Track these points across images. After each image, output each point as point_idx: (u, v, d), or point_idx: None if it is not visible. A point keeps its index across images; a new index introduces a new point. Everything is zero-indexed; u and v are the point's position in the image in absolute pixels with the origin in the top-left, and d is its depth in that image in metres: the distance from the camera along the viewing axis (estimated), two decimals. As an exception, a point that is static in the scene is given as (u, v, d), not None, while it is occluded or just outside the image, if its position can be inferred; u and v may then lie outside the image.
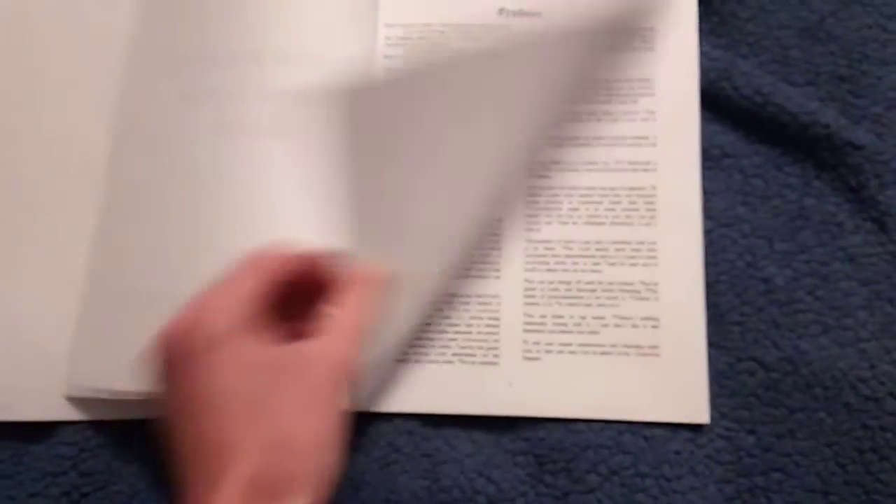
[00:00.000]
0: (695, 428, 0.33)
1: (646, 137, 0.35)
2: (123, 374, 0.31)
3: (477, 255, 0.34)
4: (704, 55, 0.36)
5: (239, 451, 0.24)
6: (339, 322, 0.27)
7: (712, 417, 0.33)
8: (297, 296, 0.29)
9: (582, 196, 0.35)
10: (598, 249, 0.34)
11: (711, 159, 0.36)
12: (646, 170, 0.35)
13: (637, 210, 0.34)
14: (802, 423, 0.33)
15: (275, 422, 0.25)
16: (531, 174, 0.35)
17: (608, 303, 0.33)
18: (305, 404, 0.25)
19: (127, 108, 0.35)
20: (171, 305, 0.26)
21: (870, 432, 0.32)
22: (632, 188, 0.35)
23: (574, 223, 0.34)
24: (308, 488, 0.25)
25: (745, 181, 0.35)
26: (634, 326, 0.33)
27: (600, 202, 0.34)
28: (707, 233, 0.35)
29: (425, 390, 0.32)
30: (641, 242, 0.34)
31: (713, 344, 0.33)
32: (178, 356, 0.26)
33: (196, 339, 0.25)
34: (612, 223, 0.34)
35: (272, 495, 0.24)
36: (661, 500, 0.32)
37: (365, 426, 0.33)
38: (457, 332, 0.33)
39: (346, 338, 0.27)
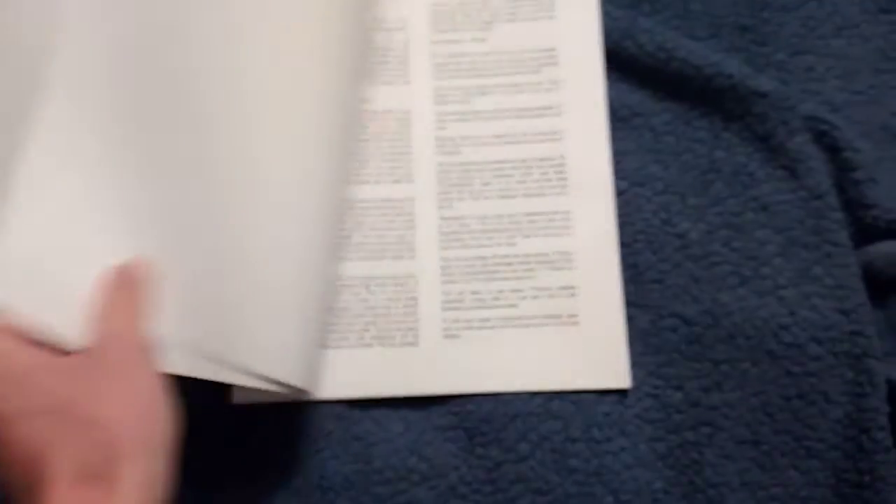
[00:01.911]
0: (621, 390, 0.33)
1: (551, 107, 0.35)
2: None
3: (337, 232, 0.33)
4: (607, 15, 0.36)
5: (49, 454, 0.25)
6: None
7: (638, 377, 0.33)
8: None
9: (493, 170, 0.35)
10: (511, 223, 0.34)
11: (621, 119, 0.35)
12: (553, 139, 0.35)
13: (549, 180, 0.34)
14: (728, 375, 0.33)
15: (70, 414, 0.25)
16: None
17: (525, 275, 0.34)
18: (100, 390, 0.26)
19: None
20: None
21: (795, 379, 0.32)
22: (542, 159, 0.35)
23: (487, 198, 0.34)
24: (134, 459, 0.25)
25: (656, 139, 0.35)
26: (552, 297, 0.33)
27: (511, 175, 0.35)
28: (620, 193, 0.35)
29: (347, 376, 0.33)
30: (555, 212, 0.34)
31: (634, 303, 0.34)
32: None
33: None
34: (525, 195, 0.34)
35: (96, 477, 0.24)
36: (593, 463, 0.32)
37: (292, 413, 0.33)
38: (375, 315, 0.33)
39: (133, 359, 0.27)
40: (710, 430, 0.32)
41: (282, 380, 0.28)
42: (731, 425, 0.32)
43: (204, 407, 0.32)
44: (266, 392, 0.29)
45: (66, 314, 0.27)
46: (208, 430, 0.32)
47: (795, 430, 0.32)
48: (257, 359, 0.28)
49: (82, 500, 0.24)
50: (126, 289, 0.29)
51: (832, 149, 0.33)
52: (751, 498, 0.32)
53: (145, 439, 0.26)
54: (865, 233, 0.33)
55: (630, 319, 0.33)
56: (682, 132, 0.35)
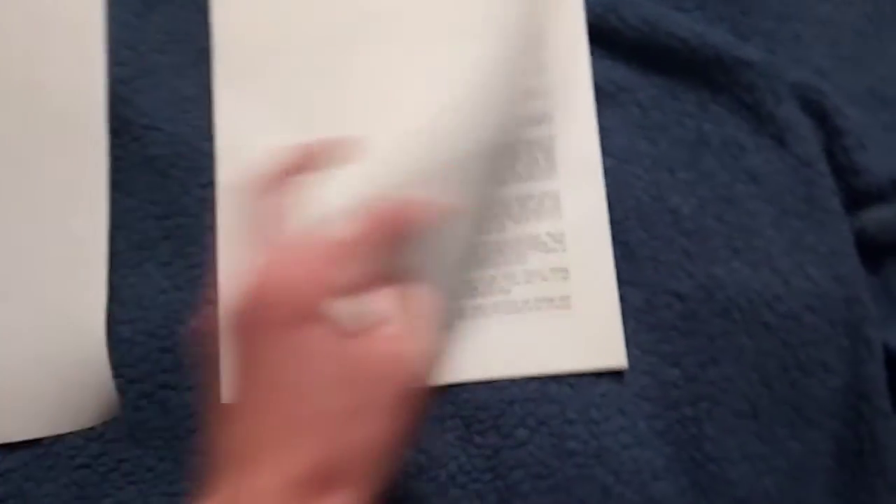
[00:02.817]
0: (618, 370, 0.33)
1: (538, 90, 0.34)
2: None
3: None
4: (588, -9, 0.35)
5: (302, 437, 0.23)
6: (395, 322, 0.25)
7: (634, 355, 0.33)
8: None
9: (480, 154, 0.34)
10: (501, 207, 0.33)
11: (607, 96, 0.35)
12: (540, 121, 0.34)
13: (537, 163, 0.34)
14: (724, 349, 0.32)
15: (341, 416, 0.24)
16: None
17: (516, 260, 0.33)
18: (365, 404, 0.24)
19: None
20: None
21: (791, 349, 0.32)
22: (530, 142, 0.34)
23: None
24: (358, 487, 0.24)
25: (643, 114, 0.35)
26: (544, 280, 0.33)
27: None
28: (610, 171, 0.34)
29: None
30: (545, 194, 0.33)
31: (628, 282, 0.33)
32: (264, 323, 0.24)
33: (266, 319, 0.24)
34: (514, 180, 0.34)
35: (324, 489, 0.23)
36: (592, 444, 0.32)
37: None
38: (366, 308, 0.33)
39: (407, 335, 0.25)
40: (709, 405, 0.32)
41: None
42: (729, 399, 0.32)
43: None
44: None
45: None
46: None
47: (794, 401, 0.32)
48: None
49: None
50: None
51: (820, 116, 0.33)
52: (752, 470, 0.32)
53: (372, 477, 0.24)
54: (856, 199, 0.33)
55: (624, 298, 0.33)
56: (670, 106, 0.35)
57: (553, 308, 0.32)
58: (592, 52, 0.35)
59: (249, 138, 0.34)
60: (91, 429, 0.33)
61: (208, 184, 0.35)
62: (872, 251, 0.33)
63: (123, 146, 0.35)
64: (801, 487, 0.32)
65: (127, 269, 0.34)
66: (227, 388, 0.25)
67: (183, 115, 0.35)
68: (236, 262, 0.33)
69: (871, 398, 0.31)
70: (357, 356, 0.24)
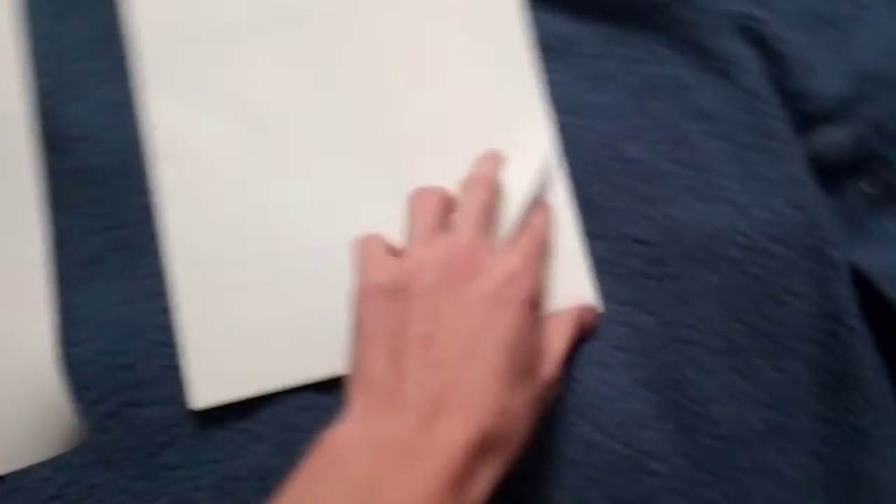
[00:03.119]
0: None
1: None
2: (253, 376, 0.31)
3: None
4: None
5: (483, 405, 0.25)
6: (554, 340, 0.30)
7: (607, 307, 0.32)
8: None
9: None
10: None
11: (552, 50, 0.34)
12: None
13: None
14: (694, 290, 0.32)
15: (518, 393, 0.26)
16: None
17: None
18: (538, 392, 0.28)
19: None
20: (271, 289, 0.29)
21: (760, 281, 0.32)
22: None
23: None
24: (511, 451, 0.26)
25: (590, 65, 0.34)
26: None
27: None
28: (563, 128, 0.34)
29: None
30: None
31: (593, 235, 0.33)
32: (474, 292, 0.27)
33: (512, 294, 0.27)
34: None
35: (487, 453, 0.25)
36: (574, 402, 0.32)
37: (257, 408, 0.31)
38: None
39: (559, 356, 0.30)
40: (686, 347, 0.32)
41: None
42: (705, 339, 0.32)
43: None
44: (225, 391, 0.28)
45: None
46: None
47: (769, 332, 0.32)
48: None
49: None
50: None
51: (762, 44, 0.33)
52: (736, 406, 0.32)
53: (521, 440, 0.27)
54: (808, 123, 0.33)
55: (591, 252, 0.32)
56: (616, 54, 0.34)
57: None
58: (533, 8, 0.34)
59: (183, 137, 0.33)
60: (57, 458, 0.31)
61: (147, 191, 0.33)
62: (828, 173, 0.33)
63: (58, 161, 0.34)
64: (786, 417, 0.32)
65: (76, 287, 0.33)
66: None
67: (114, 123, 0.34)
68: (188, 266, 0.32)
69: (842, 318, 0.31)
70: (535, 324, 0.28)
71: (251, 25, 0.34)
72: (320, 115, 0.33)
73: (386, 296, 0.28)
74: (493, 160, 0.32)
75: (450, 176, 0.32)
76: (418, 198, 0.31)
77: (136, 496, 0.32)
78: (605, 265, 0.33)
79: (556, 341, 0.30)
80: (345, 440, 0.25)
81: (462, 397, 0.26)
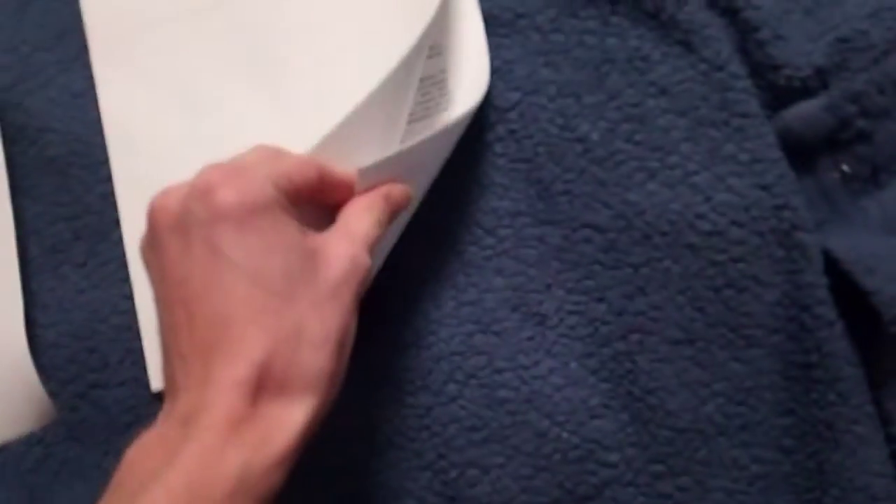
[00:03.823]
0: (542, 309, 0.31)
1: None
2: None
3: None
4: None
5: (248, 336, 0.22)
6: (352, 227, 0.26)
7: (559, 295, 0.31)
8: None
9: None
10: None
11: (505, 25, 0.32)
12: (431, 55, 0.32)
13: (432, 99, 0.32)
14: (649, 278, 0.31)
15: (290, 310, 0.23)
16: None
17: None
18: (323, 298, 0.24)
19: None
20: None
21: (720, 268, 0.30)
22: (422, 79, 0.32)
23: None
24: (315, 389, 0.23)
25: (544, 39, 0.32)
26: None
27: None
28: (515, 105, 0.32)
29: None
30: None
31: (545, 221, 0.32)
32: (184, 226, 0.23)
33: (212, 208, 0.23)
34: (411, 121, 0.32)
35: (279, 390, 0.23)
36: (523, 390, 0.31)
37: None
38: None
39: (361, 243, 0.25)
40: (640, 337, 0.31)
41: None
42: (660, 328, 0.30)
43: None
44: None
45: None
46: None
47: (730, 321, 0.30)
48: None
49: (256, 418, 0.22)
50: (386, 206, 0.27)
51: (729, 10, 0.30)
52: (692, 397, 0.30)
53: (329, 377, 0.24)
54: (779, 97, 0.30)
55: (542, 238, 0.31)
56: (570, 26, 0.32)
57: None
58: (482, -21, 0.32)
59: (139, 125, 0.33)
60: (31, 434, 0.33)
61: (108, 178, 0.34)
62: (802, 151, 0.30)
63: (22, 152, 0.35)
64: (747, 409, 0.30)
65: (44, 274, 0.34)
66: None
67: (75, 112, 0.34)
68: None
69: (811, 308, 0.29)
70: (316, 247, 0.24)
71: (188, 11, 0.34)
72: (254, 96, 0.33)
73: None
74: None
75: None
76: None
77: (106, 472, 0.33)
78: (556, 251, 0.31)
79: (356, 224, 0.26)
80: (138, 447, 0.23)
81: (224, 342, 0.23)
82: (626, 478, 0.31)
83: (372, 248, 0.26)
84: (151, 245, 0.25)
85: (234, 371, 0.22)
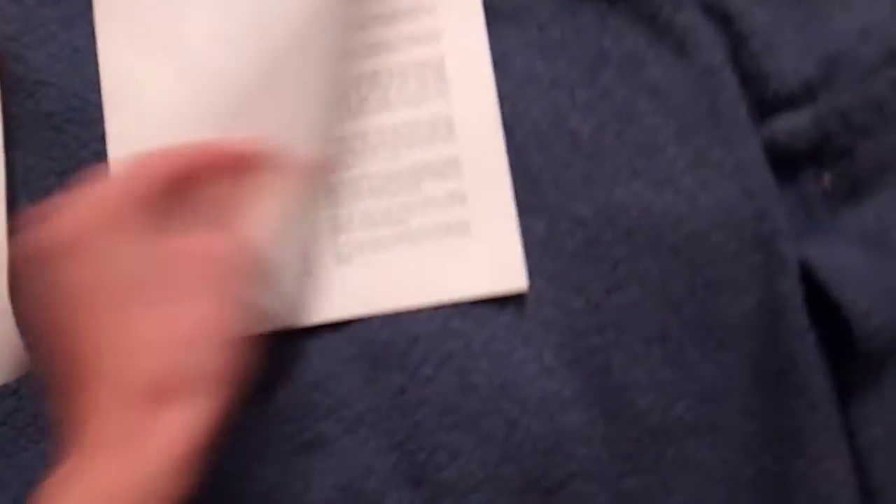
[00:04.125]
0: (520, 298, 0.31)
1: (423, 7, 0.33)
2: None
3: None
4: None
5: (112, 353, 0.23)
6: (235, 216, 0.26)
7: (538, 285, 0.32)
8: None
9: (369, 83, 0.33)
10: (394, 135, 0.32)
11: (503, 17, 0.33)
12: (429, 41, 0.32)
13: (428, 85, 0.32)
14: (628, 274, 0.31)
15: (159, 317, 0.23)
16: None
17: (412, 188, 0.32)
18: (197, 298, 0.24)
19: None
20: None
21: (699, 270, 0.31)
22: (418, 64, 0.32)
23: (366, 113, 0.33)
24: (205, 390, 0.23)
25: (541, 33, 0.33)
26: (441, 206, 0.32)
27: (389, 85, 0.33)
28: (508, 95, 0.32)
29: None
30: (437, 118, 0.32)
31: (530, 210, 0.32)
32: (39, 263, 0.24)
33: (56, 241, 0.24)
34: (405, 104, 0.32)
35: (168, 397, 0.23)
36: (496, 378, 0.31)
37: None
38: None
39: (239, 232, 0.26)
40: (616, 332, 0.31)
41: None
42: (636, 325, 0.31)
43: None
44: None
45: None
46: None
47: (704, 323, 0.31)
48: None
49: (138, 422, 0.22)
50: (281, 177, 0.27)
51: (723, 19, 0.31)
52: (663, 396, 0.31)
53: (218, 374, 0.24)
54: (766, 107, 0.31)
55: (526, 227, 0.32)
56: (568, 23, 0.33)
57: (451, 234, 0.31)
58: (486, -29, 0.33)
59: (137, 86, 0.34)
60: (4, 385, 0.33)
61: (102, 136, 0.34)
62: (786, 162, 0.31)
63: (19, 104, 0.35)
64: (716, 411, 0.31)
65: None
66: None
67: (74, 68, 0.34)
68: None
69: (785, 315, 0.30)
70: (169, 250, 0.24)
71: None
72: (253, 61, 0.33)
73: None
74: None
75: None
76: None
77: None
78: (539, 242, 0.32)
79: (241, 212, 0.26)
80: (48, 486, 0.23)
81: (99, 368, 0.23)
82: (591, 472, 0.31)
83: (261, 231, 0.26)
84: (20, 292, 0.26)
85: (117, 391, 0.23)
